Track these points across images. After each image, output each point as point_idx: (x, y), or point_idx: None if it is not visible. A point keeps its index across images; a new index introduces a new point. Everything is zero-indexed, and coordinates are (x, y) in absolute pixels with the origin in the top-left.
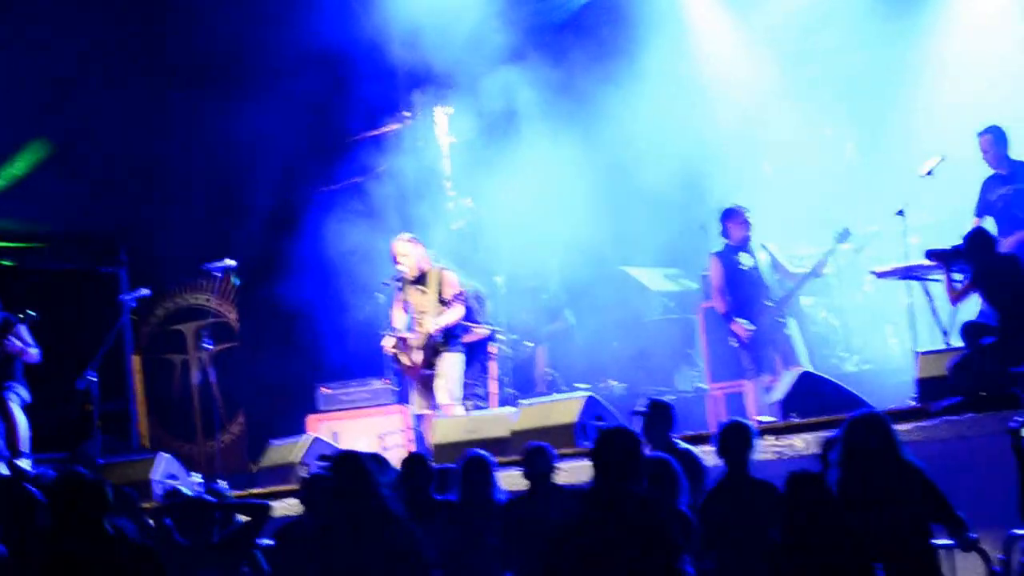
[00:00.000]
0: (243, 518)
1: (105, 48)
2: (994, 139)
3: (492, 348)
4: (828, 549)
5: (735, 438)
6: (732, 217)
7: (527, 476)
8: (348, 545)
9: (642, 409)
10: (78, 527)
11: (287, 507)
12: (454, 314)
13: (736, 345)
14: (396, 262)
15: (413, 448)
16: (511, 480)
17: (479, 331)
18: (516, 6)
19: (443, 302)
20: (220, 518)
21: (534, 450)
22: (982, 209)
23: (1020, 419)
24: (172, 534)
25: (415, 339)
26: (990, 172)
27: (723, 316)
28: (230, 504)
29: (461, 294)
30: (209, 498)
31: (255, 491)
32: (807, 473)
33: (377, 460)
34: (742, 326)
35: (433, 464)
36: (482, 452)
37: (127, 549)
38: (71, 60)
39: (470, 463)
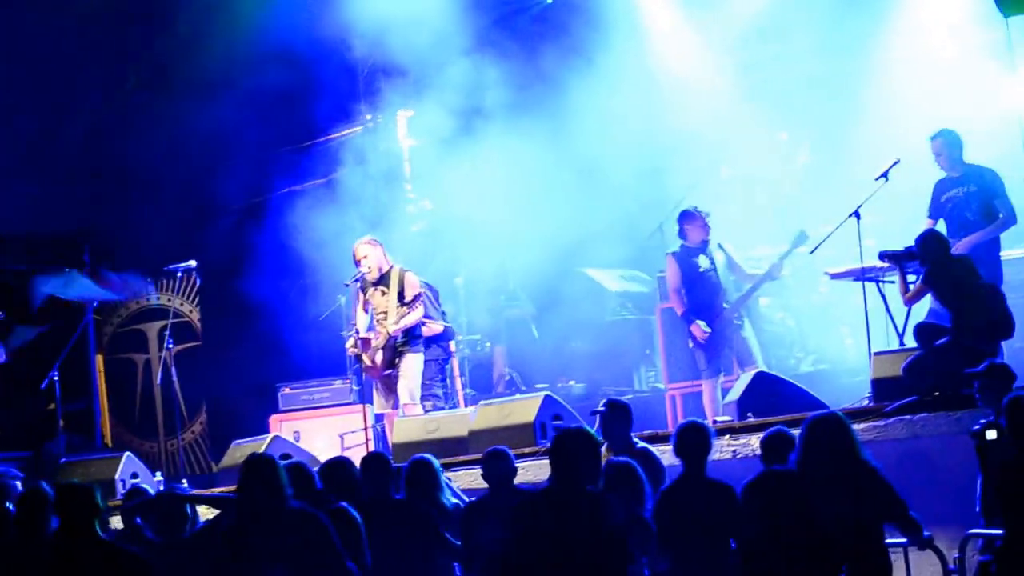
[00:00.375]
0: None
1: (68, 49)
2: (945, 142)
3: (452, 347)
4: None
5: (692, 439)
6: (689, 219)
7: (486, 479)
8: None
9: (601, 409)
10: (74, 532)
11: None
12: (415, 315)
13: (693, 346)
14: (357, 263)
15: (373, 447)
16: (469, 479)
17: (433, 326)
18: (477, 9)
19: (404, 303)
20: (191, 514)
21: (493, 453)
22: (934, 211)
23: (984, 421)
24: (143, 532)
25: (376, 339)
26: (943, 175)
27: (681, 317)
28: (202, 499)
29: (421, 295)
30: (181, 492)
31: (218, 490)
32: (780, 469)
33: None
34: (699, 327)
35: (393, 464)
36: (427, 456)
37: (120, 554)
38: (34, 61)
39: (414, 466)
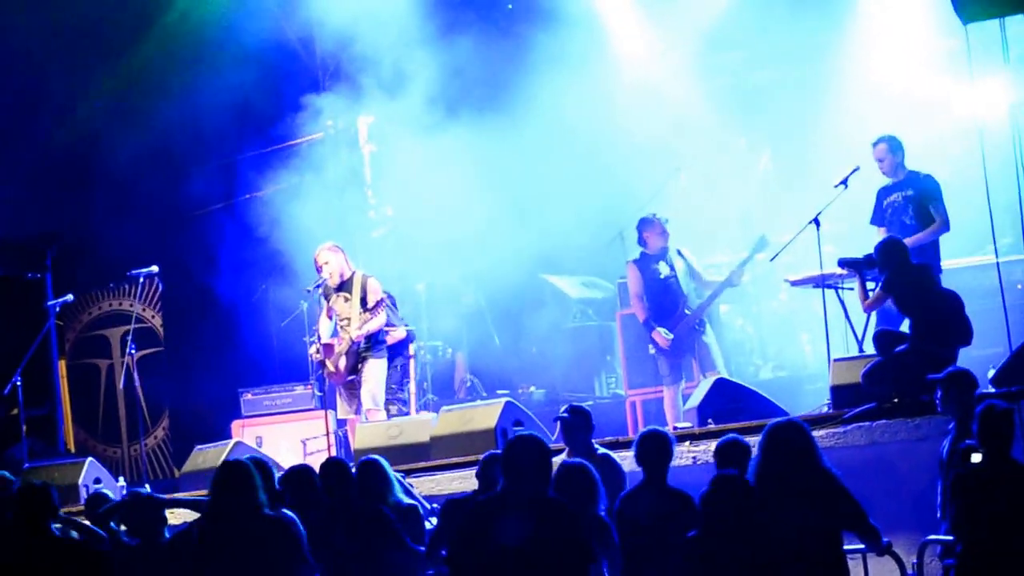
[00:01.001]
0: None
1: (31, 53)
2: (889, 147)
3: (411, 349)
4: (749, 547)
5: (653, 447)
6: (648, 226)
7: (480, 478)
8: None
9: (562, 415)
10: (27, 532)
11: None
12: (377, 320)
13: (655, 352)
14: (319, 269)
15: (334, 453)
16: (431, 485)
17: (396, 333)
18: (439, 15)
19: (366, 308)
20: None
21: (495, 457)
22: (877, 218)
23: (968, 443)
24: (119, 536)
25: (339, 345)
26: (887, 181)
27: (643, 324)
28: (180, 502)
29: (383, 300)
30: (158, 496)
31: (180, 495)
32: (731, 475)
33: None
34: (661, 335)
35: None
36: (374, 456)
37: (75, 552)
38: None
39: (363, 468)
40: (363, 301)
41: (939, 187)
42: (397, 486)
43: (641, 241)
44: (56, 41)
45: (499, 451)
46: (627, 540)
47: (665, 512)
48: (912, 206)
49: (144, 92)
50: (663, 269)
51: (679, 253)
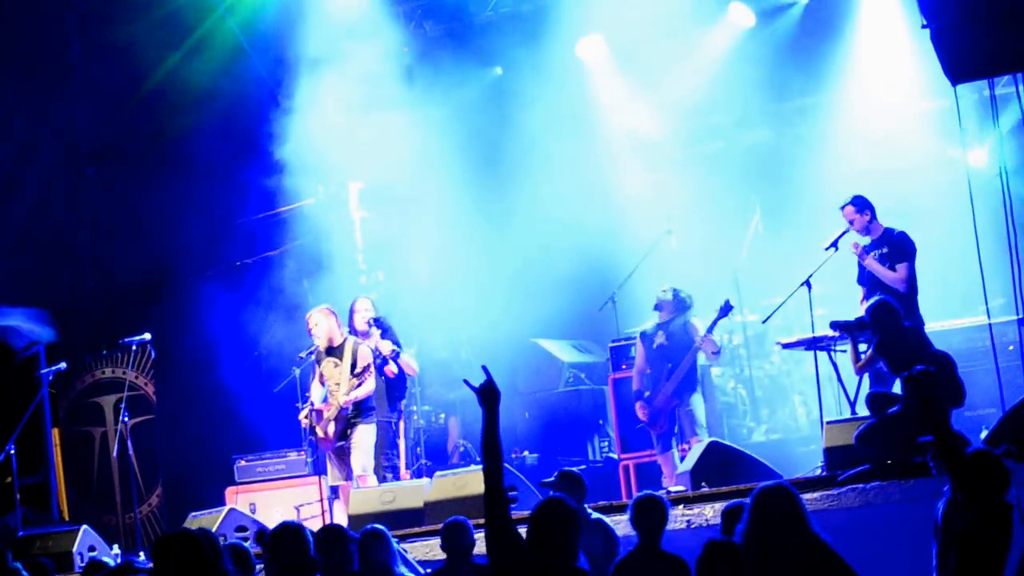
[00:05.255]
0: None
1: (19, 123)
2: (855, 208)
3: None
4: None
5: (648, 511)
6: (658, 304)
7: (445, 550)
8: None
9: (551, 480)
10: None
11: None
12: (366, 387)
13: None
14: (310, 333)
15: (328, 519)
16: (425, 550)
17: (410, 361)
18: (428, 78)
19: (356, 374)
20: None
21: (452, 525)
22: (860, 277)
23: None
24: None
25: (328, 411)
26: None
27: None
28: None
29: (370, 367)
30: (141, 565)
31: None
32: (723, 541)
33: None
34: (637, 409)
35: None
36: (379, 526)
37: None
38: None
39: (366, 537)
40: (353, 366)
41: (910, 245)
42: (399, 559)
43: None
44: (39, 111)
45: (459, 519)
46: None
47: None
48: (888, 263)
49: (132, 161)
50: (658, 339)
51: (685, 324)
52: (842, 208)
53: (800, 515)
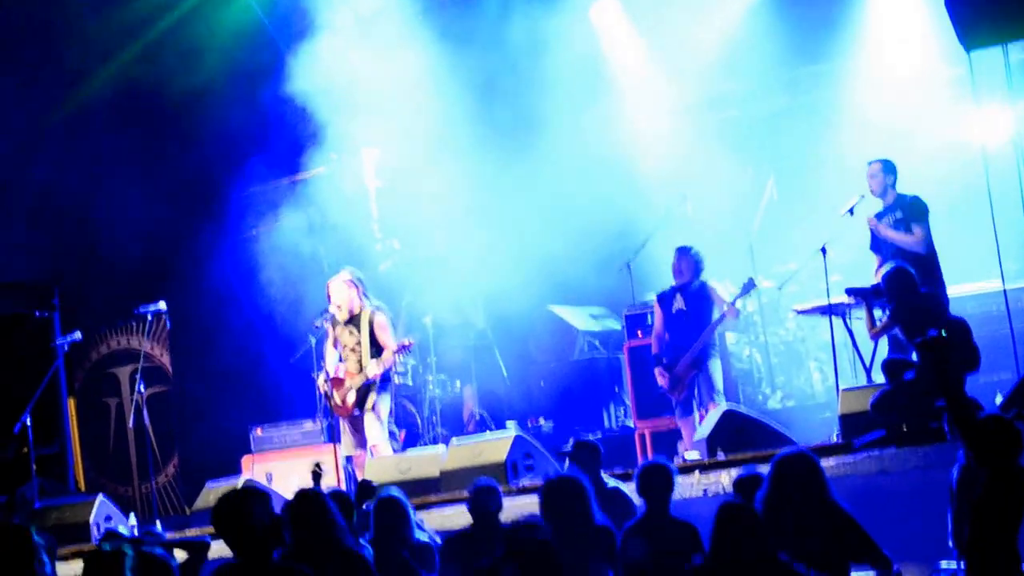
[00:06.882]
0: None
1: (31, 94)
2: (882, 168)
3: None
4: None
5: (655, 478)
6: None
7: (472, 513)
8: None
9: (567, 450)
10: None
11: (224, 547)
12: (388, 358)
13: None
14: (328, 299)
15: (344, 486)
16: (441, 519)
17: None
18: (444, 47)
19: (374, 344)
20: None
21: (482, 489)
22: (874, 244)
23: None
24: None
25: (347, 380)
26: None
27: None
28: (169, 542)
29: (388, 335)
30: (152, 536)
31: (191, 532)
32: (737, 503)
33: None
34: (657, 374)
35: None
36: (394, 493)
37: None
38: None
39: (382, 504)
40: (371, 337)
41: (924, 207)
42: (415, 525)
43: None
44: (51, 82)
45: (490, 481)
46: (632, 571)
47: (668, 543)
48: (902, 228)
49: (147, 129)
50: (677, 303)
51: (703, 287)
52: (869, 164)
53: (821, 482)
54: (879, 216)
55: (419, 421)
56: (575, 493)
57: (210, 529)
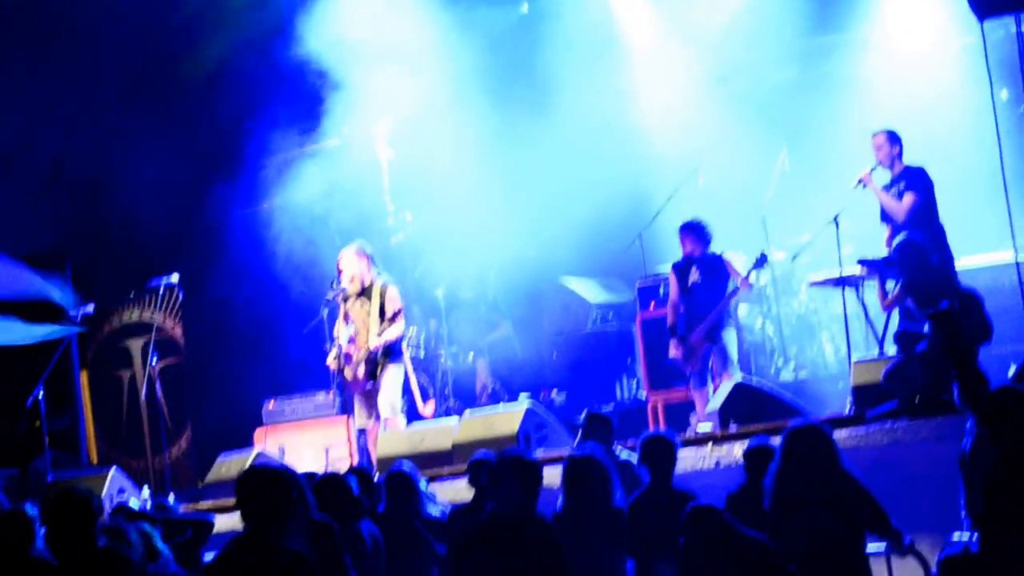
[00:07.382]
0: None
1: (43, 64)
2: (887, 138)
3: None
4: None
5: (656, 450)
6: (683, 231)
7: (473, 485)
8: None
9: (580, 422)
10: (70, 540)
11: (234, 522)
12: (396, 329)
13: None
14: (339, 272)
15: (356, 460)
16: (453, 492)
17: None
18: (455, 21)
19: (384, 317)
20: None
21: (480, 462)
22: (883, 215)
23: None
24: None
25: (357, 353)
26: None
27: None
28: (170, 520)
29: (401, 309)
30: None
31: (203, 504)
32: (706, 506)
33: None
34: (672, 346)
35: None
36: (404, 468)
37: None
38: (9, 76)
39: (392, 478)
40: (381, 309)
41: (924, 176)
42: (426, 498)
43: (689, 242)
44: (64, 53)
45: (486, 455)
46: (636, 542)
47: (671, 513)
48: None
49: (160, 103)
50: (692, 275)
51: (718, 258)
52: (874, 135)
53: (833, 453)
54: (886, 188)
55: (432, 392)
56: (600, 476)
57: (221, 503)
